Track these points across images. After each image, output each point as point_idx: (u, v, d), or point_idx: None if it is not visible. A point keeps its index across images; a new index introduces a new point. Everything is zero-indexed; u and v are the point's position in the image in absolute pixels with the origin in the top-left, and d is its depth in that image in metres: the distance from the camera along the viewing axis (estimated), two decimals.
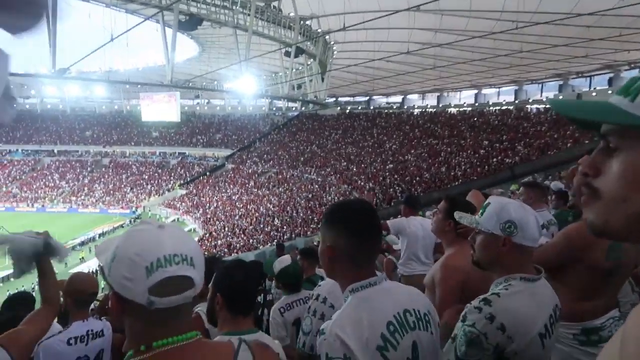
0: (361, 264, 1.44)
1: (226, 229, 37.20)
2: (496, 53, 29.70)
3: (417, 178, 32.80)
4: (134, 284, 0.97)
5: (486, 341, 1.52)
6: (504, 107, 44.57)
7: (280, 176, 45.23)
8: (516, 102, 45.79)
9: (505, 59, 31.53)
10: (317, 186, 39.13)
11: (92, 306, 3.30)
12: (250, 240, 32.69)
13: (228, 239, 34.63)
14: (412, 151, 38.84)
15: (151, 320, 1.00)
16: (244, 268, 1.99)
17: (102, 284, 3.28)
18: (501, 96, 49.93)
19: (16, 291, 6.93)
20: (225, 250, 31.32)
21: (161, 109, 61.19)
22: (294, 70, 35.19)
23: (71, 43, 31.69)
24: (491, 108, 45.58)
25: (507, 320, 1.53)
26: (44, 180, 56.10)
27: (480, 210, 1.76)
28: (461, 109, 48.03)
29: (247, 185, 46.31)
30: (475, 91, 51.29)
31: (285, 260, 3.41)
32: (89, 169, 58.91)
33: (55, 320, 3.45)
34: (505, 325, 1.52)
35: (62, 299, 2.72)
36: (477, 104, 48.84)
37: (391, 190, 32.03)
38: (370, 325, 1.32)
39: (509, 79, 46.03)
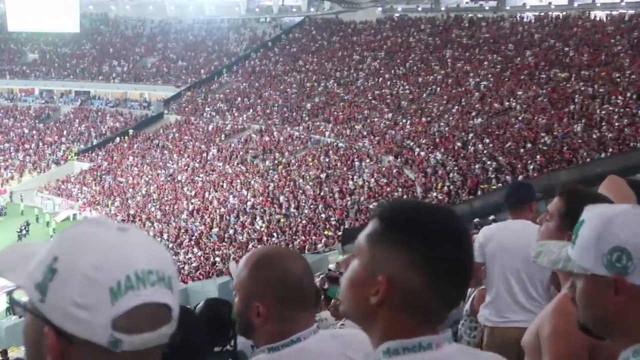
0: (434, 317, 1.53)
1: (165, 236, 37.46)
2: None
3: (528, 145, 32.63)
4: (91, 313, 1.07)
5: None
6: None
7: (266, 138, 45.52)
8: None
9: None
10: (336, 157, 39.18)
11: None
12: (212, 258, 33.01)
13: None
14: (519, 93, 38.67)
15: None
16: (190, 315, 2.13)
17: None
18: None
19: None
20: None
21: (45, 11, 61.32)
22: None
23: None
24: None
25: None
26: None
27: (573, 235, 1.87)
28: (614, 12, 47.68)
29: (203, 154, 46.70)
30: None
31: None
32: None
33: None
34: None
35: None
36: None
37: (477, 166, 32.06)
38: None
39: None
